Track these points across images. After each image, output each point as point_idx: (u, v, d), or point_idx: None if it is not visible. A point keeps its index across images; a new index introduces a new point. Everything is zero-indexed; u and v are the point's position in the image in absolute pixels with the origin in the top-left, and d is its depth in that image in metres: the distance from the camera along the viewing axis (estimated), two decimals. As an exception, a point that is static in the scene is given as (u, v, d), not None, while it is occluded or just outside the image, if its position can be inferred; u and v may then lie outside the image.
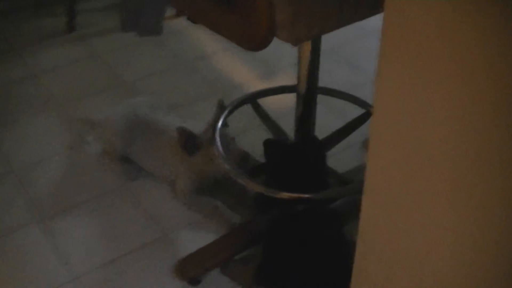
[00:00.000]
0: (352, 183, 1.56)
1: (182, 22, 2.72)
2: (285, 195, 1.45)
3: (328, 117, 2.10)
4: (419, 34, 0.70)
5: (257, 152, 1.89)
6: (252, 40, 1.18)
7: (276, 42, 1.19)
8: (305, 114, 1.57)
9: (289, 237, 1.46)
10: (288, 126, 1.72)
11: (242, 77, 2.38)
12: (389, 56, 0.75)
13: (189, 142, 1.72)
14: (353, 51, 2.52)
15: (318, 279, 1.41)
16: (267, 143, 1.56)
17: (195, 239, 1.70)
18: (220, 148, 1.59)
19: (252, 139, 2.00)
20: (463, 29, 0.65)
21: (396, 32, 0.73)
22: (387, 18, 0.74)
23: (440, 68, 0.70)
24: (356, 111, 1.79)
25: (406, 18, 0.71)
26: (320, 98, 1.62)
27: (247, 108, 1.82)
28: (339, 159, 1.84)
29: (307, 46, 1.47)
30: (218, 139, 1.61)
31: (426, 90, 0.72)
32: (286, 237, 1.47)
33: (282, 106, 2.04)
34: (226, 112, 1.69)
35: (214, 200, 1.79)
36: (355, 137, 1.85)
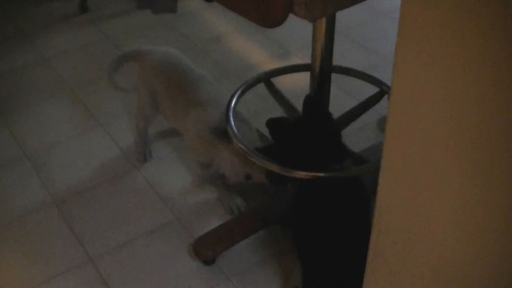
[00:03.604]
0: (368, 162, 1.54)
1: (194, 3, 2.70)
2: (301, 174, 1.44)
3: (342, 96, 2.08)
4: (437, 12, 0.69)
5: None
6: (268, 16, 1.17)
7: (288, 23, 1.18)
8: (320, 93, 1.56)
9: (316, 208, 1.46)
10: (302, 106, 1.71)
11: (254, 58, 2.37)
12: (407, 35, 0.75)
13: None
14: (366, 33, 2.50)
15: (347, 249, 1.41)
16: (270, 123, 1.54)
17: (208, 221, 1.70)
18: (234, 129, 1.58)
19: (266, 119, 1.99)
20: (483, 9, 0.64)
21: (415, 10, 0.72)
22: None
23: (459, 47, 0.69)
24: (369, 91, 1.77)
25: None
26: (334, 77, 1.60)
27: (261, 88, 1.81)
28: (354, 138, 1.83)
29: (322, 24, 1.46)
30: (231, 118, 1.60)
31: (444, 69, 0.72)
32: (313, 208, 1.47)
33: (296, 86, 2.02)
34: (239, 92, 1.68)
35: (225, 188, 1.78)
36: (370, 116, 1.84)
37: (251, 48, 2.43)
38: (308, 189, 1.49)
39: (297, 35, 2.39)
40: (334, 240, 1.43)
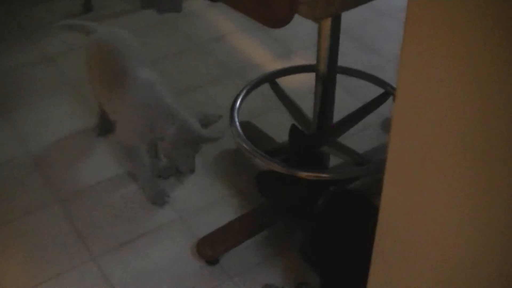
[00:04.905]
0: (371, 163, 1.54)
1: (198, 2, 2.70)
2: (304, 174, 1.44)
3: (346, 97, 2.08)
4: (443, 12, 0.69)
5: (275, 133, 1.88)
6: (273, 16, 1.17)
7: (292, 23, 1.18)
8: (325, 94, 1.56)
9: (326, 217, 1.46)
10: (307, 106, 1.71)
11: (258, 58, 2.36)
12: (413, 36, 0.75)
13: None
14: (368, 32, 2.50)
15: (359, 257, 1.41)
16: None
17: (211, 220, 1.69)
18: (239, 129, 1.57)
19: (270, 119, 1.99)
20: (489, 9, 0.64)
21: (421, 10, 0.72)
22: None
23: (464, 47, 0.69)
24: (373, 92, 1.77)
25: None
26: (338, 78, 1.60)
27: (266, 88, 1.81)
28: (358, 139, 1.83)
29: (327, 25, 1.46)
30: (236, 118, 1.60)
31: (450, 69, 0.72)
32: (324, 217, 1.47)
33: (301, 86, 2.03)
34: (244, 92, 1.68)
35: None
36: (374, 117, 1.84)
37: (255, 47, 2.43)
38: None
39: (301, 34, 2.39)
40: (353, 250, 1.42)
